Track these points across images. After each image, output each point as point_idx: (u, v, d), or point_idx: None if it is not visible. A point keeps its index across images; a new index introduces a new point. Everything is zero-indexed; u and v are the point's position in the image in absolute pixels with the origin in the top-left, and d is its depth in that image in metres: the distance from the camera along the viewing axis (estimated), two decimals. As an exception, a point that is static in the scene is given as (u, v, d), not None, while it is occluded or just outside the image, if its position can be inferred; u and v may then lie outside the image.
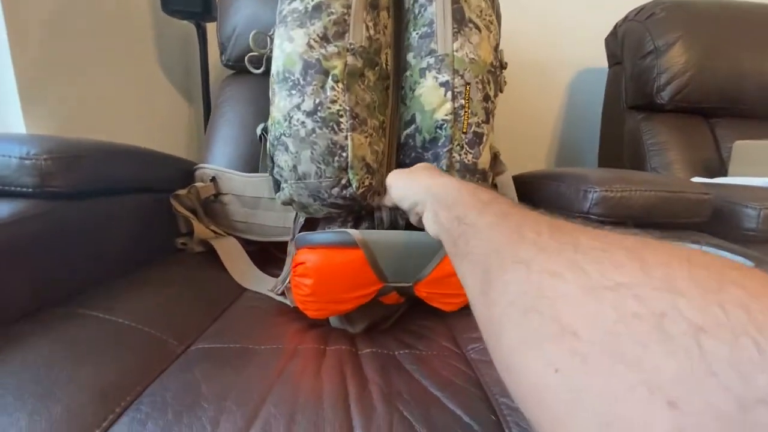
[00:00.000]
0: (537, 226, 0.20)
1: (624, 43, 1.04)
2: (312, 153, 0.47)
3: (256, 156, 0.75)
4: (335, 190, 0.49)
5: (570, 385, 0.13)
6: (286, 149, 0.49)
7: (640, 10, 1.02)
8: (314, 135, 0.47)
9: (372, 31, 0.51)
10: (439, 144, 0.51)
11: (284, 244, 0.69)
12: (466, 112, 0.51)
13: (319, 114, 0.47)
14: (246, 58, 0.56)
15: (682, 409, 0.11)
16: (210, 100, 1.00)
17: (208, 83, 0.99)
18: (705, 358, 0.11)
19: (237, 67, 0.83)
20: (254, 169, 0.74)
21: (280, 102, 0.48)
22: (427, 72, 0.52)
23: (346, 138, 0.48)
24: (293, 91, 0.48)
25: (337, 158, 0.48)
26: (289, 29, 0.48)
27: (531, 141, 1.28)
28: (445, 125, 0.51)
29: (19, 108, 0.67)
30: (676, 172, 0.90)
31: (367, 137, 0.50)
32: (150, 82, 0.97)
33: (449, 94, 0.51)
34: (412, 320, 0.52)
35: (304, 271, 0.44)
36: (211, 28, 0.97)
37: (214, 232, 0.71)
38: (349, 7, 0.49)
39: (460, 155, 0.51)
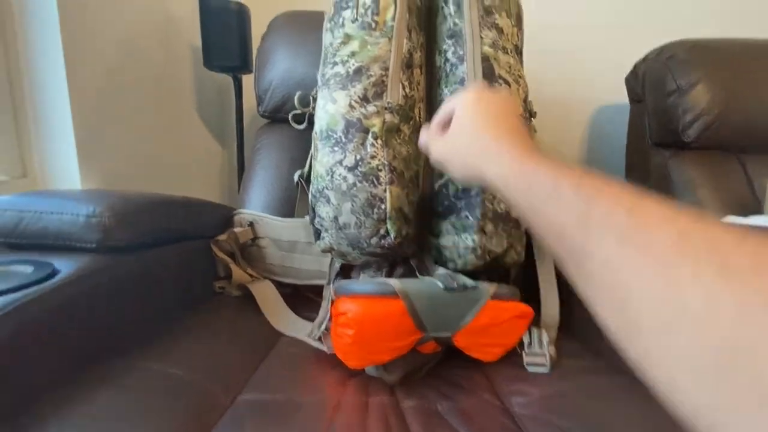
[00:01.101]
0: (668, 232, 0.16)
1: (645, 82, 1.06)
2: (353, 205, 0.50)
3: (291, 201, 0.78)
4: (374, 240, 0.51)
5: None
6: (328, 201, 0.51)
7: (660, 51, 1.04)
8: (355, 188, 0.50)
9: (408, 89, 0.55)
10: (473, 193, 0.53)
11: (318, 287, 0.71)
12: (498, 163, 0.53)
13: (359, 169, 0.50)
14: (290, 116, 0.60)
15: None
16: (243, 148, 1.05)
17: (242, 131, 1.04)
18: None
19: (272, 117, 0.88)
20: (289, 212, 0.77)
21: (323, 158, 0.51)
22: (459, 126, 0.54)
23: (384, 191, 0.50)
24: (336, 148, 0.51)
25: (376, 210, 0.50)
26: (332, 91, 0.52)
27: (554, 177, 1.29)
28: (479, 176, 0.53)
29: (76, 162, 0.73)
30: (707, 211, 0.88)
31: (404, 189, 0.52)
32: (189, 132, 1.04)
33: (482, 146, 0.53)
34: (449, 369, 0.52)
35: (346, 321, 0.45)
36: (246, 79, 1.03)
37: (251, 276, 0.73)
38: (386, 69, 0.53)
39: (493, 204, 0.53)
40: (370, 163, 0.50)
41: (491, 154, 0.30)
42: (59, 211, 0.45)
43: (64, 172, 0.75)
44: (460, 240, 0.54)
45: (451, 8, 0.58)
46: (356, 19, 0.55)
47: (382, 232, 0.50)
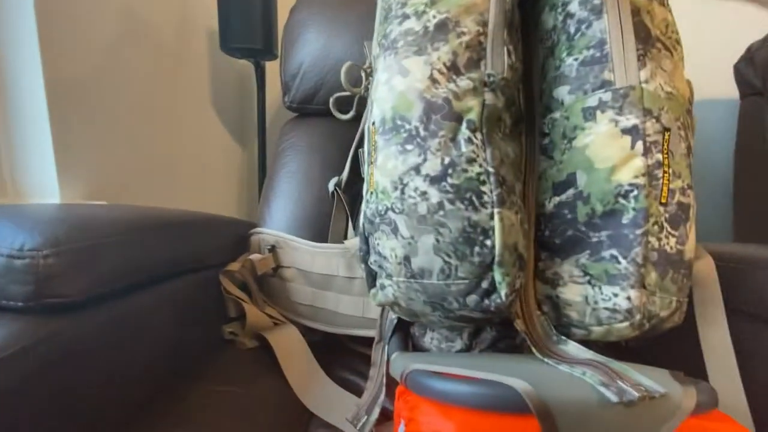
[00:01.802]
0: None
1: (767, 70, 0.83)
2: (438, 240, 0.31)
3: (323, 217, 0.60)
4: (472, 299, 0.31)
5: None
6: (395, 231, 0.32)
7: (791, 28, 0.81)
8: (442, 212, 0.31)
9: (513, 58, 0.36)
10: (626, 221, 0.33)
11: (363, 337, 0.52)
12: (665, 172, 0.33)
13: (449, 180, 0.31)
14: (332, 99, 0.42)
15: None
16: (265, 146, 0.88)
17: (264, 127, 0.87)
18: None
19: (301, 110, 0.70)
20: (322, 233, 0.59)
21: (388, 162, 0.32)
22: (598, 113, 0.35)
23: (491, 217, 0.31)
24: (409, 146, 0.32)
25: (477, 249, 0.30)
26: (401, 58, 0.33)
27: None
28: (635, 193, 0.33)
29: (53, 164, 0.57)
30: None
31: (517, 212, 0.33)
32: (202, 128, 0.87)
33: (639, 145, 0.33)
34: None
35: (435, 448, 0.26)
36: (270, 67, 0.87)
37: (270, 317, 0.55)
38: (485, 24, 0.34)
39: (659, 240, 0.33)
40: (466, 170, 0.31)
41: None
42: (-35, 245, 0.28)
43: (39, 176, 0.59)
44: (600, 295, 0.34)
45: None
46: (434, -45, 0.36)
47: (485, 285, 0.31)
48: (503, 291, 0.31)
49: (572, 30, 0.38)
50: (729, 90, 0.95)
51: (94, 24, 0.61)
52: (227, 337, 0.53)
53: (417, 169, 0.31)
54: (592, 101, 0.35)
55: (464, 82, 0.32)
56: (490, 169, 0.31)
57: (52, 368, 0.28)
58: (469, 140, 0.31)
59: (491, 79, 0.33)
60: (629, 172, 0.33)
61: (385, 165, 0.33)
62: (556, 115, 0.38)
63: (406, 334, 0.43)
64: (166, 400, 0.39)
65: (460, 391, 0.27)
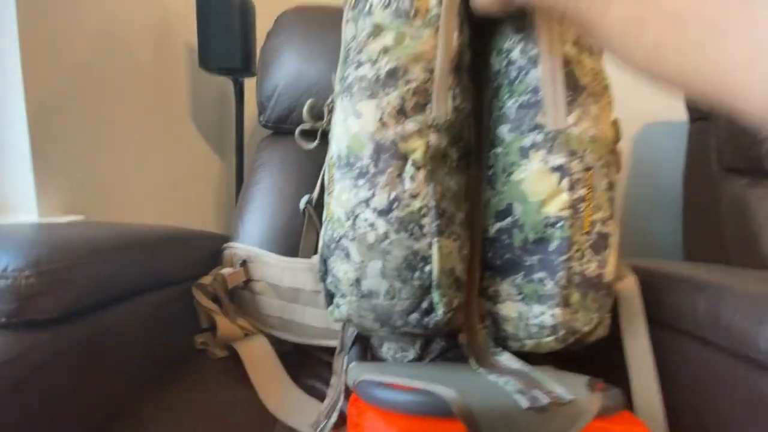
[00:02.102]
0: None
1: (713, 98, 0.90)
2: (384, 265, 0.35)
3: (295, 233, 0.63)
4: (413, 317, 0.35)
5: None
6: (348, 256, 0.36)
7: (732, 61, 0.88)
8: (387, 241, 0.35)
9: (459, 100, 0.40)
10: (552, 249, 0.38)
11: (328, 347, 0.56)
12: (587, 206, 0.38)
13: (394, 213, 0.35)
14: (297, 131, 0.45)
15: None
16: (243, 161, 0.91)
17: (242, 143, 0.90)
18: None
19: (276, 128, 0.74)
20: (293, 248, 0.62)
21: (342, 194, 0.36)
22: (531, 152, 0.39)
23: (429, 246, 0.35)
24: (360, 182, 0.36)
25: (417, 273, 0.35)
26: (356, 101, 0.37)
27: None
28: (561, 224, 0.37)
29: (32, 178, 0.59)
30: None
31: (455, 240, 0.37)
32: (181, 144, 0.90)
33: (565, 181, 0.38)
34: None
35: (374, 450, 0.30)
36: (248, 84, 0.90)
37: (242, 328, 0.58)
38: (431, 71, 0.38)
39: (581, 265, 0.37)
40: (409, 205, 0.35)
41: None
42: (-50, 268, 0.31)
43: (17, 191, 0.60)
44: (531, 312, 0.38)
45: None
46: (389, 5, 0.41)
47: (425, 305, 0.35)
48: (440, 310, 0.35)
49: (513, 75, 0.43)
50: (681, 114, 1.02)
51: (75, 42, 0.63)
52: (199, 347, 0.56)
53: (367, 202, 0.35)
54: (527, 141, 0.40)
55: (410, 125, 0.37)
56: (431, 203, 0.35)
57: (33, 379, 0.31)
58: (413, 178, 0.35)
59: (435, 122, 0.37)
60: (556, 206, 0.38)
61: (340, 197, 0.37)
62: (498, 150, 0.43)
63: (365, 345, 0.47)
64: (138, 405, 0.42)
65: (399, 399, 0.31)
